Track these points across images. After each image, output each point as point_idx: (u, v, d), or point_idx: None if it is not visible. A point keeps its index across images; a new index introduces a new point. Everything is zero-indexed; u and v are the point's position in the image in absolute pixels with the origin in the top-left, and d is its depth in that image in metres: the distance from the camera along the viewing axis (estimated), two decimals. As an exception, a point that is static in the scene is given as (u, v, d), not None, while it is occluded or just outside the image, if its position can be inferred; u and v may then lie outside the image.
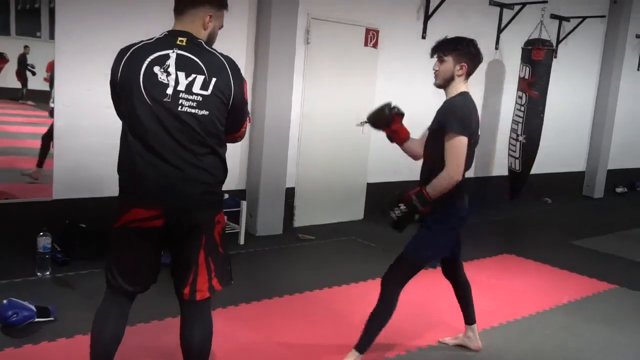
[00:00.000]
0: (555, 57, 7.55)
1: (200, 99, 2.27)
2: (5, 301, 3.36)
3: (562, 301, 4.52)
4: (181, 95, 2.26)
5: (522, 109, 7.39)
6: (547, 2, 7.29)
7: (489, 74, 7.77)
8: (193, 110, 2.28)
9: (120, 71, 2.30)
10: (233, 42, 5.48)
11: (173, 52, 2.28)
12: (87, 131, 4.78)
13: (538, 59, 7.18)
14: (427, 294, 4.26)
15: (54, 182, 4.71)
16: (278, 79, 5.57)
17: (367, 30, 6.36)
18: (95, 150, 4.82)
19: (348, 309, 4.04)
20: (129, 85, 2.29)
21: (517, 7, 7.60)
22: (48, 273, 4.18)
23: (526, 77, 7.32)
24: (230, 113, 2.37)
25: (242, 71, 2.42)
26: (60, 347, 3.19)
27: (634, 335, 4.03)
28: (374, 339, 3.15)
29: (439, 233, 3.10)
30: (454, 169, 2.89)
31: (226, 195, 5.45)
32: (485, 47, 7.72)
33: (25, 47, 4.92)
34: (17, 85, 5.05)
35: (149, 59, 2.27)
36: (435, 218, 3.06)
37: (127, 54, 2.31)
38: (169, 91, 2.26)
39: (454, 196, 3.01)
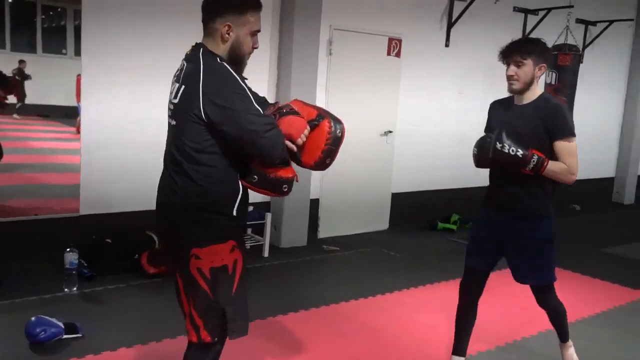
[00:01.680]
0: (582, 62, 7.42)
1: (173, 107, 2.16)
2: (33, 318, 3.37)
3: (595, 311, 4.42)
4: (169, 105, 2.20)
5: (550, 115, 7.26)
6: (572, 6, 7.18)
7: (514, 80, 7.67)
8: (170, 120, 2.17)
9: None
10: (255, 54, 5.48)
11: (182, 63, 2.21)
12: (112, 146, 4.83)
13: (564, 65, 7.07)
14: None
15: (81, 197, 4.76)
16: (301, 91, 5.55)
17: (390, 40, 6.33)
18: (121, 165, 4.87)
19: (376, 322, 3.99)
20: None
21: (542, 13, 7.51)
22: (75, 289, 4.20)
23: (553, 82, 7.20)
24: (217, 128, 2.05)
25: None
26: (87, 364, 3.20)
27: (671, 347, 3.90)
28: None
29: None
30: (575, 168, 2.84)
31: (250, 208, 5.45)
32: (510, 53, 7.66)
33: (21, 61, 4.96)
34: (55, 103, 5.12)
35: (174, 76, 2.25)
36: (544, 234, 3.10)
37: None
38: (169, 104, 2.22)
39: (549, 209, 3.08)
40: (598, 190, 9.25)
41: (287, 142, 2.15)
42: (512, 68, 2.85)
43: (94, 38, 4.64)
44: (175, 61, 5.23)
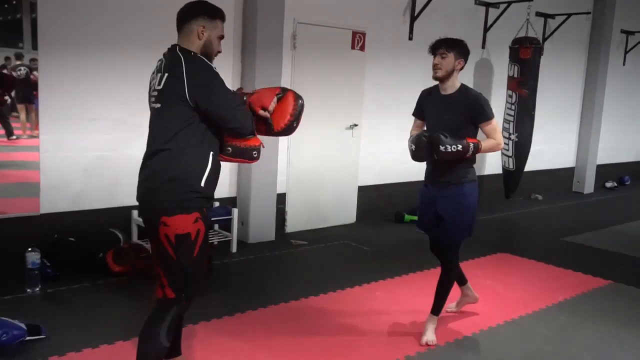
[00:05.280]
0: (542, 54, 7.55)
1: (156, 94, 2.55)
2: (-6, 321, 3.29)
3: (559, 299, 4.50)
4: (152, 92, 2.61)
5: (513, 107, 7.39)
6: (532, 0, 7.30)
7: (476, 73, 7.75)
8: (154, 105, 2.58)
9: None
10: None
11: (160, 61, 2.64)
12: (72, 143, 4.72)
13: (526, 58, 7.19)
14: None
15: (41, 196, 4.64)
16: (265, 85, 5.49)
17: (354, 33, 6.33)
18: (81, 162, 4.77)
19: (345, 315, 3.99)
20: None
21: (502, 6, 7.60)
22: (38, 289, 4.11)
23: (515, 75, 7.32)
24: (200, 107, 2.49)
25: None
26: (52, 366, 3.13)
27: (634, 330, 4.00)
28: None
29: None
30: (501, 139, 3.54)
31: (217, 204, 5.41)
32: (472, 46, 7.71)
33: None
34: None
35: (152, 73, 2.67)
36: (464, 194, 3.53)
37: None
38: (152, 92, 2.63)
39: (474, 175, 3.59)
40: (559, 180, 9.45)
41: (260, 111, 2.65)
42: (437, 58, 3.52)
43: (50, 32, 4.51)
44: (136, 56, 5.15)
